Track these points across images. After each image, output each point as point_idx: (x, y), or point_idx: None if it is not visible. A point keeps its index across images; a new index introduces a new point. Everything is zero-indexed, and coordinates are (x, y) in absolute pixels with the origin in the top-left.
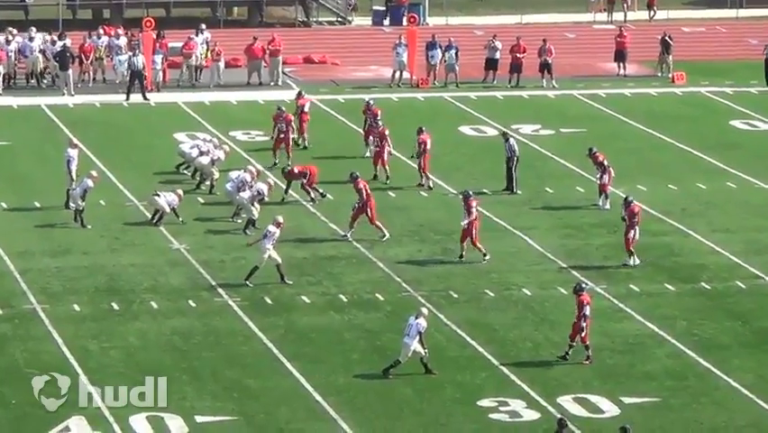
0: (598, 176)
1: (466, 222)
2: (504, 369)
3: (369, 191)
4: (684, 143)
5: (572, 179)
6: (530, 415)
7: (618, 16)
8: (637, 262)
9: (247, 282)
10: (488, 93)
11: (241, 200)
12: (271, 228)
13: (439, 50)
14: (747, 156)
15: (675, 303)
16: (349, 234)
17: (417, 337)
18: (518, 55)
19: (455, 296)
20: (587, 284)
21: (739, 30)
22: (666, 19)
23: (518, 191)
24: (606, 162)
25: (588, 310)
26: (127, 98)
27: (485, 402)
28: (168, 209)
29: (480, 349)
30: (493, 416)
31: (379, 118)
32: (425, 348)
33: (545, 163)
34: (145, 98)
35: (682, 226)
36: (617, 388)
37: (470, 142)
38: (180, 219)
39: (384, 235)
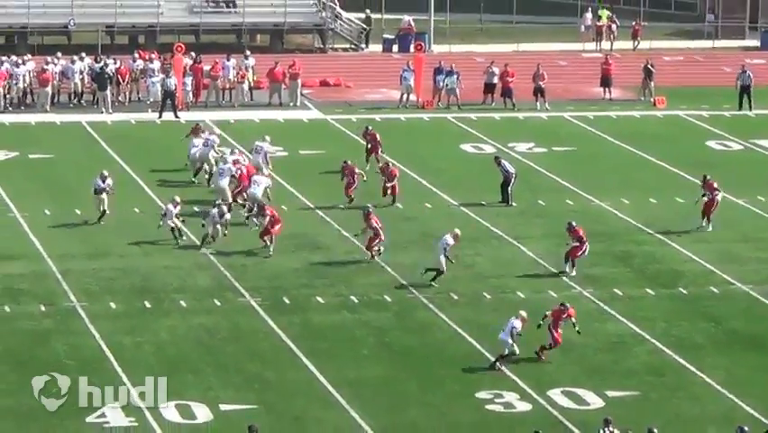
0: (708, 198)
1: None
2: (499, 364)
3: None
4: (664, 161)
5: (563, 194)
6: (523, 406)
7: (605, 45)
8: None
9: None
10: (486, 114)
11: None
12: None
13: (445, 74)
14: (721, 174)
15: (655, 306)
16: (377, 258)
17: (509, 333)
18: (508, 79)
19: (456, 298)
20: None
21: (715, 59)
22: (649, 48)
23: (513, 204)
24: (717, 188)
25: None
26: (160, 116)
27: (482, 395)
28: (171, 224)
29: (479, 346)
30: (489, 407)
31: (378, 140)
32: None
33: (538, 178)
34: (176, 116)
35: (662, 237)
36: (602, 382)
37: (470, 159)
38: (180, 239)
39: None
